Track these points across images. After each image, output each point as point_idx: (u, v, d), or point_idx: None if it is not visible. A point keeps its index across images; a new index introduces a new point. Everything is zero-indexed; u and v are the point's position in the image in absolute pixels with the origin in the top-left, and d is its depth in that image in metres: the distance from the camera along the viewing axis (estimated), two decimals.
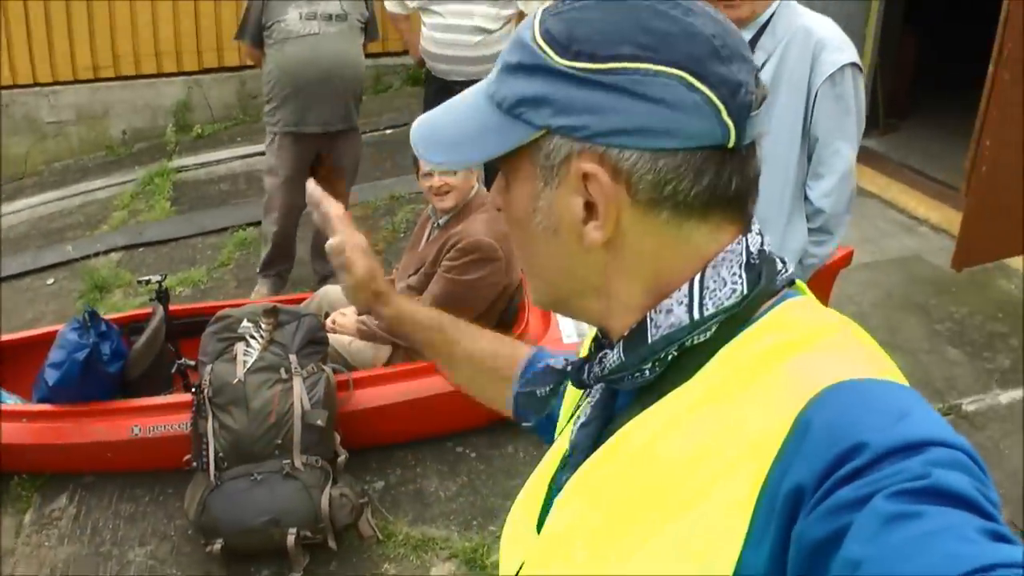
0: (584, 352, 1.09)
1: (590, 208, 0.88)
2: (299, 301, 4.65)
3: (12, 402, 4.12)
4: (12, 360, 4.37)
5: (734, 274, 0.90)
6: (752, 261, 0.91)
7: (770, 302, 0.91)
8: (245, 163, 8.33)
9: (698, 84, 0.82)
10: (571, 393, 1.16)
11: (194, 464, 3.68)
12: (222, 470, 3.59)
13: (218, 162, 8.43)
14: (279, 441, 3.60)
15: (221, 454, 3.59)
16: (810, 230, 3.06)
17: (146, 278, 4.32)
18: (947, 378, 4.65)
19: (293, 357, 3.78)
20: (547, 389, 1.11)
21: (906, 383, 0.81)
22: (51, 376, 3.93)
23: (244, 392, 3.63)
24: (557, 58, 0.85)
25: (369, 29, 5.45)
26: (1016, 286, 5.52)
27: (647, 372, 0.91)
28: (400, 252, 5.00)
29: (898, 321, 5.16)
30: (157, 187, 7.80)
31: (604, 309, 0.95)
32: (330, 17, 5.16)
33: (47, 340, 4.17)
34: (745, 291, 0.89)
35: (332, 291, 4.74)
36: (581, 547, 0.88)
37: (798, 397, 0.78)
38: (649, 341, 0.90)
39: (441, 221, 4.16)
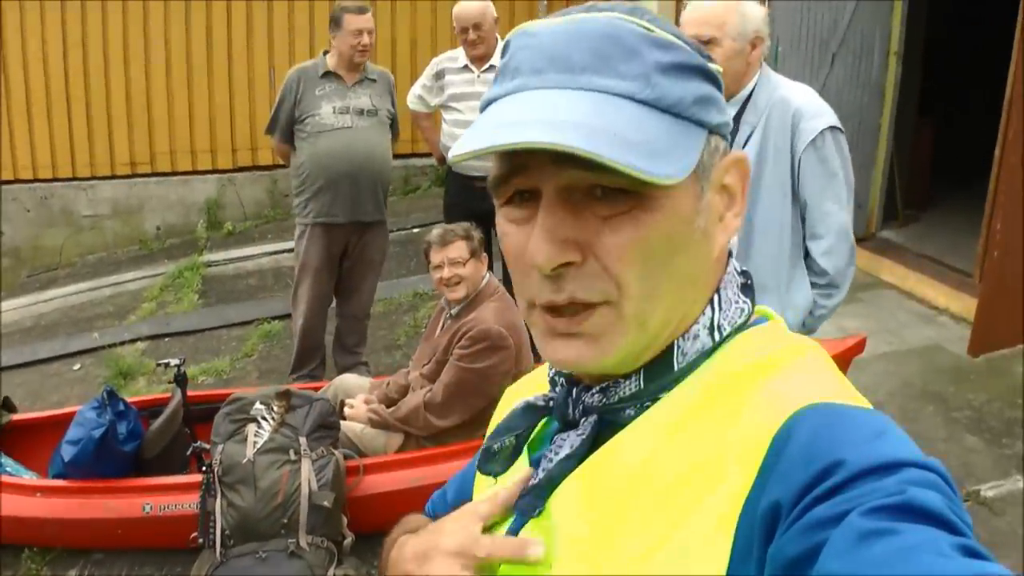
0: (541, 390, 1.04)
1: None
2: (316, 388, 4.70)
3: (28, 477, 4.18)
4: (32, 438, 4.45)
5: (736, 294, 0.95)
6: (747, 283, 0.97)
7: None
8: (273, 259, 8.51)
9: None
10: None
11: (201, 541, 3.70)
12: (228, 548, 3.61)
13: (247, 258, 8.62)
14: (285, 520, 3.63)
15: (228, 532, 3.62)
16: (817, 285, 3.13)
17: (166, 361, 4.41)
18: (965, 464, 4.59)
19: (303, 440, 3.83)
20: (511, 438, 1.01)
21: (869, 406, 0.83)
22: (67, 452, 4.01)
23: (253, 472, 3.68)
24: (700, 57, 0.88)
25: (394, 127, 5.60)
26: None
27: (659, 399, 0.90)
28: None
29: (915, 410, 5.12)
30: (186, 280, 7.98)
31: (656, 338, 0.90)
32: (362, 112, 5.31)
33: (66, 420, 4.25)
34: (750, 309, 0.94)
35: (348, 379, 4.80)
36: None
37: (775, 416, 0.79)
38: (676, 368, 0.90)
39: (454, 311, 4.23)
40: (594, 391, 0.92)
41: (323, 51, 5.45)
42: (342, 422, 4.19)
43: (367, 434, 4.27)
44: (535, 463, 0.97)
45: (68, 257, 9.13)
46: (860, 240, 7.08)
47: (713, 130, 0.88)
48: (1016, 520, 4.17)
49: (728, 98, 2.97)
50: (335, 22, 5.22)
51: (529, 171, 0.84)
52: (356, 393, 4.51)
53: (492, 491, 0.95)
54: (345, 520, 3.86)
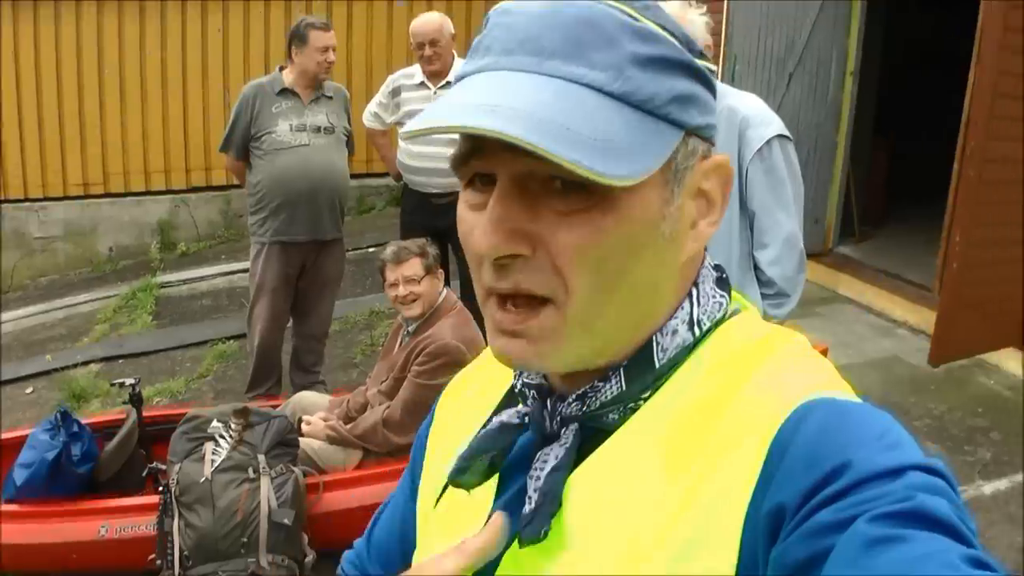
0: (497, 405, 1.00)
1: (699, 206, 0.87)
2: (274, 406, 4.63)
3: None
4: None
5: (712, 288, 0.91)
6: (722, 276, 0.93)
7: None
8: (228, 280, 8.43)
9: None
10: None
11: (159, 563, 3.62)
12: (187, 568, 3.53)
13: (201, 279, 8.53)
14: (245, 540, 3.56)
15: (186, 552, 3.54)
16: (766, 296, 3.12)
17: (120, 380, 4.30)
18: None
19: (262, 457, 3.76)
20: (489, 456, 0.93)
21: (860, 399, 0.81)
22: (20, 476, 3.90)
23: (211, 491, 3.60)
24: (690, 54, 0.83)
25: (349, 143, 5.56)
26: (995, 381, 5.53)
27: (641, 402, 0.86)
28: None
29: None
30: (140, 302, 7.87)
31: (623, 337, 0.86)
32: (319, 129, 5.25)
33: (19, 443, 4.13)
34: (727, 303, 0.91)
35: (306, 396, 4.74)
36: None
37: (775, 412, 0.77)
38: (657, 366, 0.85)
39: (411, 328, 4.20)
40: (571, 400, 0.87)
41: (279, 67, 5.39)
42: (300, 439, 4.13)
43: (326, 450, 4.20)
44: (511, 480, 0.93)
45: (19, 280, 8.95)
46: (817, 255, 7.19)
47: (693, 131, 0.83)
48: (982, 525, 4.20)
49: None
50: (300, 38, 5.16)
51: (486, 154, 0.80)
52: (315, 410, 4.45)
53: (457, 544, 0.81)
54: (306, 538, 3.78)
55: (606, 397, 0.86)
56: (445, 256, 4.95)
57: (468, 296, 4.70)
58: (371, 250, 8.56)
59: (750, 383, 0.81)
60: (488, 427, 0.94)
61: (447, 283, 4.42)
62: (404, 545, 1.13)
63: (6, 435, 4.61)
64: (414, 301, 4.08)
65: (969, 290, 4.92)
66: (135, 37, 9.07)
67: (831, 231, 7.59)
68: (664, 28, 0.82)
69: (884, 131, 8.22)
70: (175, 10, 9.15)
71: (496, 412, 0.97)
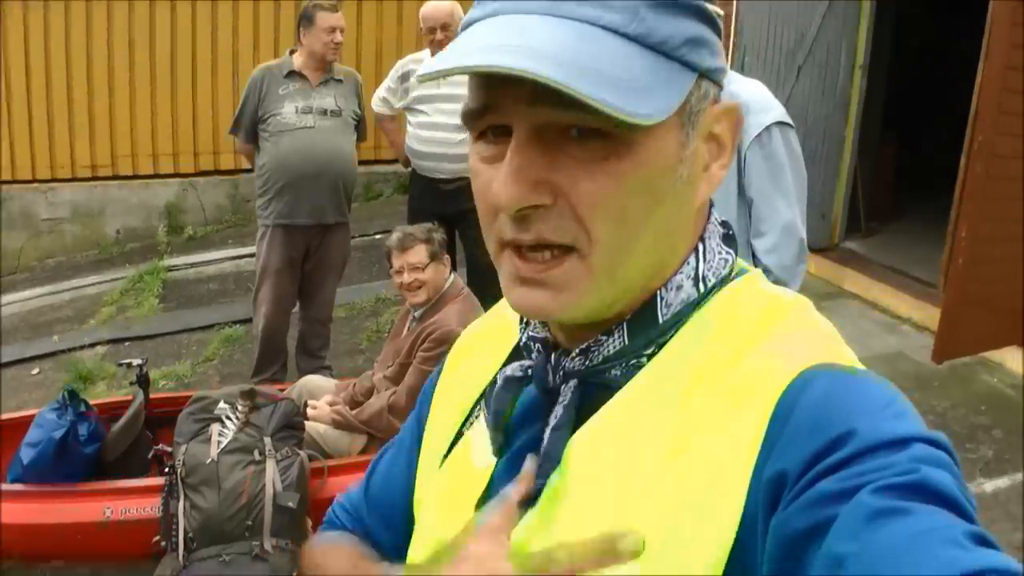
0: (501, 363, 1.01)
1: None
2: (280, 389, 4.64)
3: None
4: None
5: (719, 245, 0.91)
6: (727, 232, 0.93)
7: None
8: (235, 264, 8.44)
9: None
10: (462, 404, 1.05)
11: (163, 544, 3.63)
12: (191, 551, 3.54)
13: (208, 263, 8.55)
14: (250, 522, 3.57)
15: (191, 534, 3.55)
16: None
17: (128, 361, 4.33)
18: None
19: (268, 440, 3.77)
20: (504, 407, 0.94)
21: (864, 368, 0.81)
22: (27, 455, 3.91)
23: (217, 472, 3.61)
24: None
25: (360, 128, 5.56)
26: (999, 380, 5.53)
27: (644, 359, 0.86)
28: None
29: None
30: (147, 285, 7.89)
31: (635, 287, 0.86)
32: (325, 112, 5.26)
33: (26, 423, 4.15)
34: (733, 260, 0.91)
35: (313, 380, 4.76)
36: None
37: (780, 376, 0.77)
38: (660, 321, 0.86)
39: (417, 314, 4.21)
40: (574, 354, 0.88)
41: (288, 50, 5.40)
42: (306, 423, 4.14)
43: (331, 435, 4.22)
44: (515, 436, 0.94)
45: (27, 261, 8.98)
46: (823, 250, 7.19)
47: (704, 74, 0.82)
48: (983, 522, 4.20)
49: None
50: (308, 19, 5.17)
51: (502, 107, 0.79)
52: (321, 394, 4.47)
53: (499, 499, 0.83)
54: (310, 522, 3.80)
55: (608, 351, 0.86)
56: (452, 242, 4.96)
57: (475, 282, 4.71)
58: (378, 237, 8.57)
59: (756, 348, 0.81)
60: (495, 385, 0.95)
61: (454, 269, 4.43)
62: (406, 497, 1.12)
63: (13, 415, 4.64)
64: (419, 288, 4.09)
65: (974, 286, 4.93)
66: (145, 20, 9.06)
67: (837, 226, 7.58)
68: None
69: (893, 127, 8.21)
70: None
71: (502, 370, 0.97)
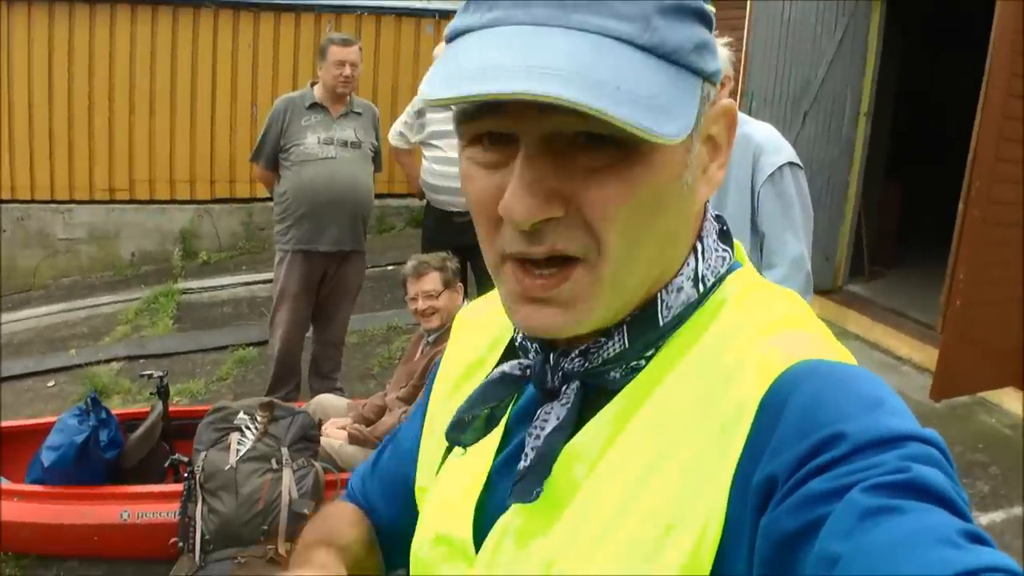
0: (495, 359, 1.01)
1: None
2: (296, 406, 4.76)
3: (6, 483, 4.21)
4: (9, 447, 4.47)
5: (715, 242, 0.89)
6: (724, 229, 0.92)
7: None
8: (248, 290, 8.58)
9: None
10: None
11: (181, 546, 3.74)
12: (207, 553, 3.66)
13: (222, 287, 8.68)
14: (265, 527, 3.69)
15: (207, 537, 3.67)
16: None
17: (148, 372, 4.46)
18: None
19: (285, 450, 3.89)
20: (485, 410, 0.92)
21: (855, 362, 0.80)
22: (47, 457, 4.04)
23: (235, 478, 3.74)
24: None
25: (376, 158, 5.72)
26: (997, 420, 5.63)
27: (643, 362, 0.84)
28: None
29: None
30: (161, 306, 8.02)
31: (636, 290, 0.84)
32: (346, 143, 5.42)
33: (45, 429, 4.28)
34: (731, 257, 0.90)
35: (326, 399, 4.89)
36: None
37: (761, 379, 0.76)
38: (660, 323, 0.84)
39: (431, 338, 4.35)
40: (574, 355, 0.86)
41: (310, 82, 5.58)
42: (322, 438, 4.26)
43: (345, 450, 4.34)
44: (514, 435, 0.93)
45: (42, 279, 9.14)
46: (827, 292, 7.30)
47: (707, 78, 0.80)
48: None
49: None
50: (321, 53, 5.37)
51: (507, 113, 0.75)
52: (334, 412, 4.59)
53: None
54: None
55: (608, 354, 0.84)
56: (465, 271, 5.09)
57: None
58: (390, 268, 8.71)
59: (749, 347, 0.80)
60: (490, 377, 0.93)
61: (467, 296, 4.56)
62: (409, 474, 1.12)
63: (28, 422, 4.77)
64: (433, 314, 4.23)
65: (972, 328, 5.06)
66: (167, 47, 9.28)
67: (841, 269, 7.69)
68: None
69: (896, 173, 8.37)
70: (207, 23, 9.38)
71: (499, 364, 0.96)
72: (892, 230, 8.29)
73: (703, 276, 0.86)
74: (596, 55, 0.71)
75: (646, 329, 0.84)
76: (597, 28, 0.73)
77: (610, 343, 0.84)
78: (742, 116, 3.36)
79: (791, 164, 3.26)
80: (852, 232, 7.65)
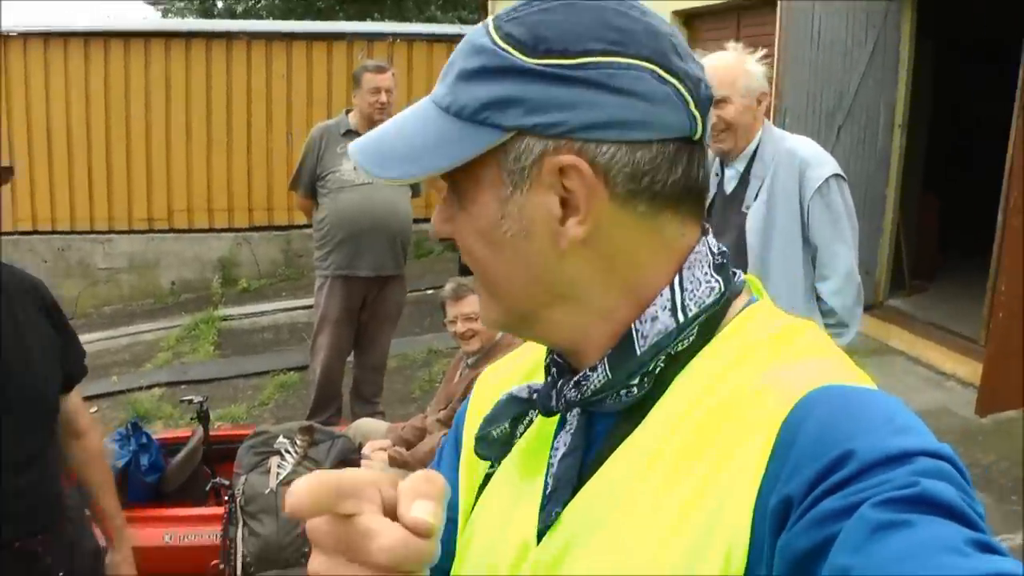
0: (537, 378, 1.02)
1: (566, 205, 0.85)
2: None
3: None
4: None
5: (706, 274, 0.89)
6: (719, 261, 0.91)
7: (738, 304, 0.91)
8: (289, 316, 8.64)
9: (667, 76, 0.83)
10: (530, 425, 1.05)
11: (222, 568, 3.76)
12: (249, 574, 3.66)
13: (262, 313, 8.75)
14: (306, 549, 3.68)
15: (249, 559, 3.68)
16: (828, 325, 3.26)
17: (189, 398, 4.49)
18: None
19: None
20: (504, 426, 0.98)
21: (875, 386, 0.81)
22: None
23: (276, 502, 3.75)
24: (526, 58, 0.83)
25: (414, 184, 5.73)
26: None
27: (635, 389, 0.87)
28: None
29: None
30: (202, 333, 8.09)
31: (575, 322, 0.90)
32: None
33: None
34: (723, 288, 0.89)
35: (365, 424, 4.88)
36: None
37: (780, 405, 0.77)
38: (638, 353, 0.86)
39: (471, 361, 4.34)
40: (570, 384, 0.91)
41: (345, 110, 5.63)
42: (362, 462, 4.26)
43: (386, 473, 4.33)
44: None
45: (83, 308, 9.26)
46: (869, 308, 7.19)
47: (527, 132, 0.84)
48: None
49: (737, 154, 3.30)
50: (356, 80, 5.42)
51: None
52: (374, 436, 4.58)
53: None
54: None
55: (595, 385, 0.88)
56: None
57: None
58: (429, 292, 8.75)
59: (763, 376, 0.81)
60: (501, 398, 0.99)
61: None
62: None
63: None
64: (472, 337, 4.22)
65: (1016, 340, 4.98)
66: (201, 79, 9.43)
67: (882, 283, 7.62)
68: (515, 41, 0.84)
69: (933, 185, 8.29)
70: (240, 54, 9.51)
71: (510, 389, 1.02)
72: (932, 243, 8.21)
73: (684, 305, 0.87)
74: (411, 122, 0.90)
75: (624, 359, 0.87)
76: (433, 96, 0.90)
77: (594, 375, 0.88)
78: (782, 132, 3.39)
79: (836, 176, 3.26)
80: (892, 246, 7.59)
